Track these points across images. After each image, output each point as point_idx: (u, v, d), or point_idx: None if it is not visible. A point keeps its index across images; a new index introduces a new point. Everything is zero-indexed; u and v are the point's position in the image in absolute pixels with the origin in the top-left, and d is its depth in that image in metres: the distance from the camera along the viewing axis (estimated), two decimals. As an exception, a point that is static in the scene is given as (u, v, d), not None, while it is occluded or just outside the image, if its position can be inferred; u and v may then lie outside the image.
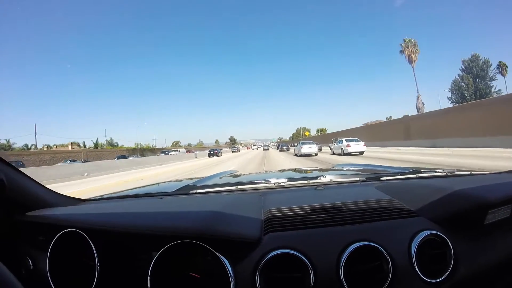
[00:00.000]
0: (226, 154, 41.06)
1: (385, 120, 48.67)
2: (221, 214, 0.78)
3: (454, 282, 0.69)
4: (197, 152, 41.26)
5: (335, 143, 19.03)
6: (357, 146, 16.31)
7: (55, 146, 50.59)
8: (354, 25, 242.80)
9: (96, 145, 52.81)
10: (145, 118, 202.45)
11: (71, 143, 49.52)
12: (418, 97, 38.12)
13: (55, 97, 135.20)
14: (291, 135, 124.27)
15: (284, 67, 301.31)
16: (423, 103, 37.75)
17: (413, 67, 39.36)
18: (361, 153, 16.24)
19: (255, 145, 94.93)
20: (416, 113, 34.81)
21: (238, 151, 52.44)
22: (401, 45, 39.72)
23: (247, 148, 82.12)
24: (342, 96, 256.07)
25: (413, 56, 39.17)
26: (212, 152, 32.11)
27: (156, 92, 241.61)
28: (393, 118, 32.81)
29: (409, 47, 39.26)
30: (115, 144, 55.99)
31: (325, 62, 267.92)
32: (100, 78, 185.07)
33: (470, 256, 0.74)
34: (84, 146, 49.74)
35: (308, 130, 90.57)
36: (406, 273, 0.67)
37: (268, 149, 46.42)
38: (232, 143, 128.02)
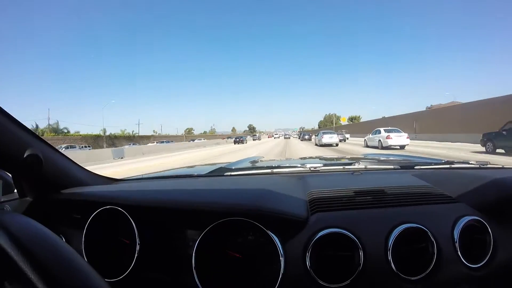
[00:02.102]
0: (248, 141, 41.62)
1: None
2: (270, 193, 0.79)
3: (493, 267, 0.71)
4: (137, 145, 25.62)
5: (370, 134, 16.70)
6: (399, 138, 13.92)
7: None
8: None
9: (36, 131, 38.70)
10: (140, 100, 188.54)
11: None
12: None
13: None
14: (318, 123, 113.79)
15: (310, 51, 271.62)
16: None
17: None
18: (402, 147, 13.87)
19: (277, 134, 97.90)
20: None
21: (259, 139, 53.97)
22: None
23: (269, 137, 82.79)
24: (379, 80, 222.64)
25: None
26: (237, 140, 34.94)
27: (160, 72, 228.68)
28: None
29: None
30: (63, 130, 41.97)
31: (358, 37, 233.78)
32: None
33: (510, 243, 0.74)
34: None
35: (338, 118, 74.92)
36: (449, 257, 0.69)
37: (289, 138, 50.86)
38: (252, 132, 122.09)
